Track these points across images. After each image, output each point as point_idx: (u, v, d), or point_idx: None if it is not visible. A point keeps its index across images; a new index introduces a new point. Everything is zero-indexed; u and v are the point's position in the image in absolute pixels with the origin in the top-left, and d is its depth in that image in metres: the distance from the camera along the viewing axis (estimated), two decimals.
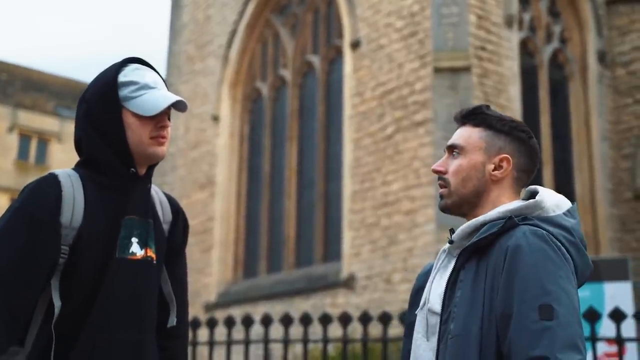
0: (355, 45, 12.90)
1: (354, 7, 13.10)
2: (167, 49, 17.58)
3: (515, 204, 1.88)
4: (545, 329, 1.65)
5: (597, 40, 13.43)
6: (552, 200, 1.88)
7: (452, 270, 1.88)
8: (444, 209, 1.98)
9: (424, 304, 1.95)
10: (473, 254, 1.84)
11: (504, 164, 1.92)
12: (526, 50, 12.96)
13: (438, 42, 11.41)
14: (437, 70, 11.20)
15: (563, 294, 1.70)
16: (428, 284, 1.97)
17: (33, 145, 29.07)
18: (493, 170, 1.93)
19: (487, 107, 2.01)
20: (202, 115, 15.69)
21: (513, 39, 12.24)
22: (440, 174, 1.97)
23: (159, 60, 38.08)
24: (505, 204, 1.90)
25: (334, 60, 14.08)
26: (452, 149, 1.97)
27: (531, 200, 1.87)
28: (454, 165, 1.95)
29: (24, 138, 28.95)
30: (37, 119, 29.20)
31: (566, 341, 1.64)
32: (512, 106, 11.79)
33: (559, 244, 1.79)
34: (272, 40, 15.40)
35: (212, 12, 16.38)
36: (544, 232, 1.79)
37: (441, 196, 1.98)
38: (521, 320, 1.68)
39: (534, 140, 1.98)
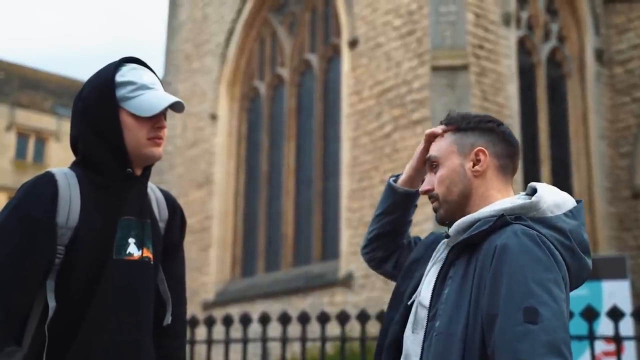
0: (353, 43, 12.89)
1: (352, 5, 13.09)
2: (165, 48, 17.55)
3: (511, 202, 1.84)
4: (528, 332, 1.59)
5: (595, 39, 13.43)
6: (551, 200, 1.83)
7: (442, 266, 1.86)
8: (441, 221, 1.98)
9: (417, 294, 1.92)
10: (464, 250, 1.81)
11: (481, 156, 1.91)
12: (524, 48, 12.96)
13: (436, 41, 11.40)
14: (435, 69, 11.18)
15: (549, 298, 1.64)
16: (424, 275, 1.94)
17: (31, 144, 29.03)
18: (473, 167, 1.91)
19: (448, 114, 2.02)
20: (199, 114, 15.68)
21: (511, 37, 12.24)
22: (429, 193, 1.98)
23: (156, 56, 37.98)
24: (500, 201, 1.86)
25: (332, 58, 14.07)
26: (432, 164, 1.99)
27: (527, 201, 1.82)
28: (437, 177, 1.96)
29: (22, 137, 28.91)
30: (34, 117, 29.16)
31: (549, 346, 1.58)
32: (509, 104, 11.79)
33: (551, 246, 1.74)
34: (269, 39, 15.39)
35: (209, 10, 16.36)
36: (535, 232, 1.73)
37: (435, 210, 1.98)
38: (505, 321, 1.63)
39: (504, 126, 1.98)
